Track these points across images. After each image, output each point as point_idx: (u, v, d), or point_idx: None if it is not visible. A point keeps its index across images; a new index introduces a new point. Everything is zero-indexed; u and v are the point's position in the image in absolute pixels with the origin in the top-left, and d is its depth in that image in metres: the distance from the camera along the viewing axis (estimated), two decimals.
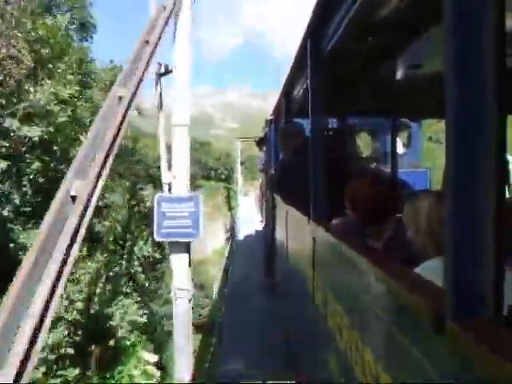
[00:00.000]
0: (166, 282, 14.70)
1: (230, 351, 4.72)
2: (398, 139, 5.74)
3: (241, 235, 14.64)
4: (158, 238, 5.27)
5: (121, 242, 13.91)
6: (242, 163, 29.19)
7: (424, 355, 0.88)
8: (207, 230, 38.59)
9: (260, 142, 9.06)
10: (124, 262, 13.70)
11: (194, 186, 42.33)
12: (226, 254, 11.28)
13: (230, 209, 36.88)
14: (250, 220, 16.14)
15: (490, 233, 0.75)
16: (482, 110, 0.75)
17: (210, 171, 43.56)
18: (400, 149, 6.84)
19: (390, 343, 1.09)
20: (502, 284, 0.76)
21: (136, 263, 14.16)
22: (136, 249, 14.18)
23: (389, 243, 2.23)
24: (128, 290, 12.95)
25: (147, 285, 14.66)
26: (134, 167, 15.90)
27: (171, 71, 5.05)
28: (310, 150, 2.53)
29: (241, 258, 10.71)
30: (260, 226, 12.49)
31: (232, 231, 16.63)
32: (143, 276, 14.57)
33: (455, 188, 0.78)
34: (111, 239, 13.11)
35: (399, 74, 3.35)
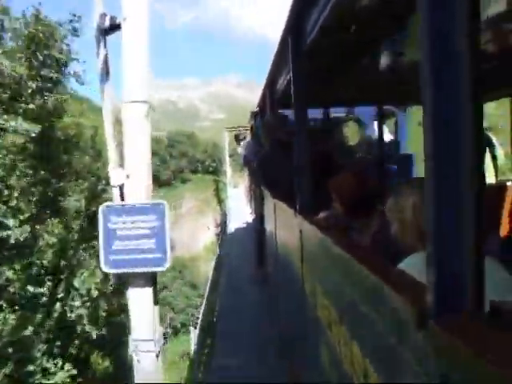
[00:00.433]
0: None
1: (224, 349, 4.74)
2: (384, 127, 5.75)
3: (231, 228, 14.10)
4: (105, 269, 3.45)
5: (51, 277, 9.39)
6: (230, 155, 28.77)
7: (408, 352, 0.88)
8: (197, 226, 37.27)
9: (238, 137, 8.88)
10: (58, 307, 9.08)
11: (181, 179, 40.73)
12: (217, 250, 10.76)
13: (220, 202, 35.86)
14: (240, 212, 15.60)
15: (472, 225, 0.74)
16: (460, 97, 0.74)
17: (197, 164, 41.98)
18: (386, 137, 6.85)
19: (375, 339, 1.09)
20: (483, 278, 0.76)
21: (77, 303, 9.55)
22: (77, 282, 9.70)
23: (376, 237, 2.23)
24: (51, 366, 8.31)
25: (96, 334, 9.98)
26: (94, 163, 12.17)
27: (119, 26, 3.53)
28: (295, 142, 2.51)
29: (232, 253, 10.32)
30: (250, 218, 12.02)
31: (223, 225, 16.07)
32: (92, 323, 9.91)
33: (435, 177, 0.77)
34: (18, 286, 8.45)
35: (380, 63, 3.35)
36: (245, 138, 8.52)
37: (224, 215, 17.20)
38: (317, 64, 2.95)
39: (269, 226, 4.78)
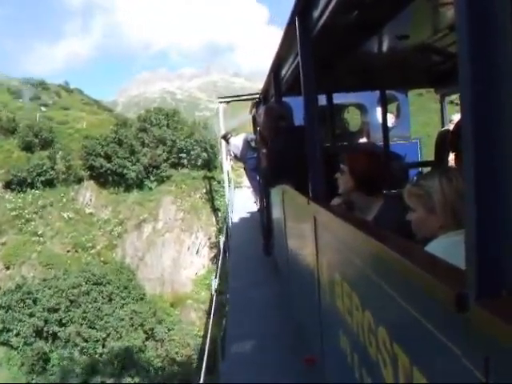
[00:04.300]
0: None
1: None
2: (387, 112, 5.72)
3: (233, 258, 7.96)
4: None
5: None
6: (227, 138, 14.99)
7: (445, 335, 0.87)
8: (182, 250, 24.32)
9: (226, 136, 8.58)
10: None
11: (158, 178, 26.88)
12: (214, 286, 7.25)
13: (215, 209, 25.71)
14: (253, 245, 7.66)
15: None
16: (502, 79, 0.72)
17: (180, 155, 28.16)
18: (389, 121, 6.84)
19: (406, 324, 1.08)
20: None
21: None
22: None
23: (378, 218, 2.27)
24: None
25: None
26: None
27: None
28: (306, 128, 2.50)
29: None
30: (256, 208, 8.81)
31: (225, 248, 10.05)
32: None
33: (475, 162, 0.76)
34: None
35: (388, 46, 3.31)
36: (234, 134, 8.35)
37: (226, 234, 11.47)
38: (322, 49, 2.91)
39: (276, 216, 4.77)
